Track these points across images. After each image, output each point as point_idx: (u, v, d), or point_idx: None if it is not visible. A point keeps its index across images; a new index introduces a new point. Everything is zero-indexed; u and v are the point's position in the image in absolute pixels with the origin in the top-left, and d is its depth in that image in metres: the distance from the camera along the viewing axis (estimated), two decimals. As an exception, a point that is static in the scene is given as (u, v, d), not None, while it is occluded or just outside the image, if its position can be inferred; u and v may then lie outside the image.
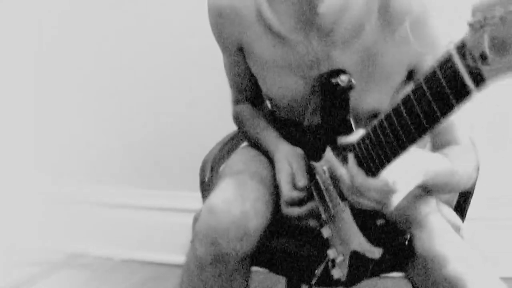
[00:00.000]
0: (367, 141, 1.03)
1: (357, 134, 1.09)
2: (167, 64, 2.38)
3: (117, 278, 2.39)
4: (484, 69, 0.71)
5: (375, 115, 1.34)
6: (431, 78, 0.81)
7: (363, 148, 1.05)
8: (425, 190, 1.24)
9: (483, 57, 0.69)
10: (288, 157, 1.36)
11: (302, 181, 1.31)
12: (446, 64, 0.77)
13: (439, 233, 1.19)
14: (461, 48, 0.74)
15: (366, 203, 1.11)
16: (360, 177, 1.06)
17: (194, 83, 2.33)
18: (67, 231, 2.62)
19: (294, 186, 1.32)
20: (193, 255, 1.28)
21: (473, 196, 1.48)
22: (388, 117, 0.95)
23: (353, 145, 1.08)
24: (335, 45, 1.30)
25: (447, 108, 0.80)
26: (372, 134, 1.01)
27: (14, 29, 2.56)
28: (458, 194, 1.50)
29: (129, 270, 2.44)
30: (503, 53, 0.66)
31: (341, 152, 1.16)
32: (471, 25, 0.70)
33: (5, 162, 2.67)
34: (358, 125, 1.32)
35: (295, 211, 1.32)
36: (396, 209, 1.24)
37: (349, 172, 1.09)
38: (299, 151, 1.37)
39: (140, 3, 2.35)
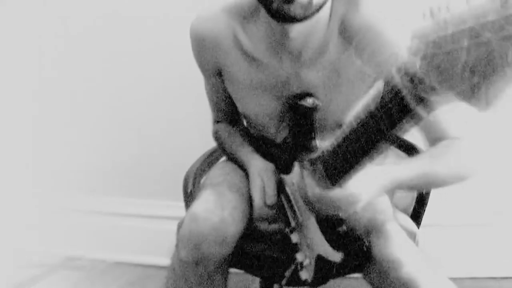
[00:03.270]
0: (331, 155, 1.02)
1: (322, 148, 1.08)
2: (154, 87, 2.37)
3: (109, 278, 2.37)
4: (422, 90, 0.71)
5: (339, 126, 1.36)
6: (377, 96, 0.82)
7: (328, 162, 1.04)
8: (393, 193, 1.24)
9: (420, 79, 0.69)
10: (260, 172, 1.37)
11: (270, 199, 1.33)
12: (389, 84, 0.77)
13: (394, 239, 1.19)
14: (401, 70, 0.73)
15: (331, 212, 1.12)
16: (324, 187, 1.07)
17: (179, 104, 2.32)
18: (64, 236, 2.60)
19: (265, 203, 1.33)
20: (177, 258, 1.28)
21: (428, 205, 1.50)
22: (344, 132, 0.96)
23: (319, 159, 1.08)
24: (304, 65, 1.31)
25: (392, 125, 0.81)
26: (333, 150, 1.01)
27: (14, 42, 2.52)
28: (414, 203, 1.51)
29: (120, 271, 2.43)
30: (437, 74, 0.66)
31: (311, 165, 1.16)
32: (410, 49, 0.69)
33: (6, 175, 2.65)
34: (326, 134, 1.34)
35: (265, 227, 1.34)
36: (356, 218, 1.26)
37: (315, 183, 1.10)
38: (270, 166, 1.38)
39: (131, 29, 2.34)
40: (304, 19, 1.18)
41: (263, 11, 1.26)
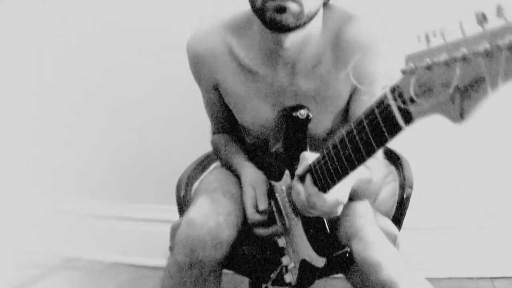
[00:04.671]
0: (321, 165, 1.04)
1: (313, 158, 1.09)
2: (150, 96, 2.36)
3: (106, 278, 2.36)
4: (413, 109, 0.71)
5: (329, 133, 1.36)
6: (370, 114, 0.82)
7: (318, 171, 1.05)
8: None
9: (412, 100, 0.70)
10: (252, 182, 1.37)
11: (262, 205, 1.33)
12: (382, 103, 0.78)
13: (374, 243, 1.19)
14: (394, 91, 0.74)
15: (318, 214, 1.13)
16: (315, 194, 1.07)
17: (173, 114, 2.32)
18: (63, 238, 2.59)
19: (257, 209, 1.33)
20: (173, 261, 1.28)
21: (408, 209, 1.51)
22: (335, 146, 0.97)
23: (309, 168, 1.09)
24: (297, 75, 1.32)
25: (381, 141, 0.81)
26: (323, 160, 1.02)
27: (14, 42, 2.50)
28: (395, 207, 1.52)
29: (117, 271, 2.42)
30: (428, 96, 0.67)
31: (301, 175, 1.15)
32: (403, 71, 0.70)
33: (6, 177, 2.64)
34: (316, 142, 1.35)
35: (261, 231, 1.34)
36: (338, 223, 1.26)
37: (306, 189, 1.10)
38: (261, 176, 1.38)
39: (131, 30, 2.31)
40: (296, 27, 1.20)
41: (257, 23, 1.27)
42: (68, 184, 2.58)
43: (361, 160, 0.90)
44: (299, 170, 1.12)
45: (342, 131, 0.94)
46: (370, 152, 0.86)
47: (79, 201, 2.58)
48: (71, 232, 2.57)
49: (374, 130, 0.82)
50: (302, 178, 1.12)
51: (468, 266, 2.20)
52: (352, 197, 1.18)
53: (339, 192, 1.07)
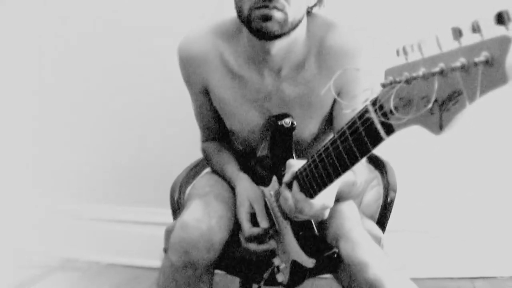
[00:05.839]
0: (307, 173, 1.04)
1: (299, 165, 1.09)
2: (150, 97, 2.33)
3: (104, 279, 2.36)
4: (393, 121, 0.72)
5: (314, 138, 1.36)
6: (352, 125, 0.83)
7: (304, 178, 1.05)
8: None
9: (392, 112, 0.71)
10: (249, 196, 1.34)
11: (264, 222, 1.29)
12: (364, 115, 0.79)
13: (361, 243, 1.19)
14: (375, 103, 0.75)
15: (306, 218, 1.13)
16: (302, 200, 1.07)
17: (172, 115, 2.29)
18: (62, 240, 2.58)
19: (253, 224, 1.30)
20: (168, 262, 1.28)
21: (392, 213, 1.51)
22: (320, 155, 0.97)
23: (296, 175, 1.09)
24: (283, 80, 1.32)
25: (364, 150, 0.82)
26: (309, 168, 1.03)
27: (14, 42, 2.47)
28: (379, 210, 1.52)
29: (114, 272, 2.41)
30: (407, 108, 0.67)
31: (288, 181, 1.14)
32: (383, 85, 0.71)
33: (6, 177, 2.62)
34: (302, 146, 1.36)
35: (254, 247, 1.31)
36: (327, 225, 1.26)
37: (293, 196, 1.09)
38: (258, 190, 1.35)
39: (131, 31, 2.28)
40: (281, 35, 1.21)
41: (245, 30, 1.28)
42: (68, 185, 2.57)
43: (345, 168, 0.90)
44: (286, 177, 1.12)
45: (327, 142, 0.94)
46: (353, 161, 0.87)
47: (78, 204, 2.57)
48: (70, 233, 2.56)
49: (357, 140, 0.83)
50: (289, 185, 1.12)
51: (449, 267, 2.20)
52: (337, 199, 1.18)
53: (326, 197, 1.07)
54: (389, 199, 1.48)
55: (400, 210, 1.57)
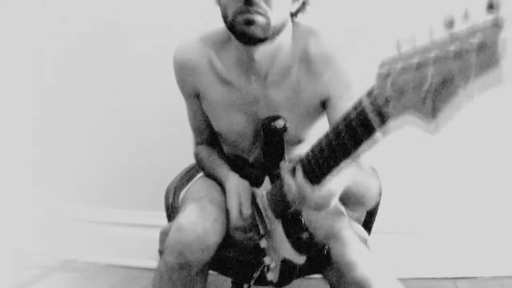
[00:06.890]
0: (311, 157, 0.98)
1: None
2: (149, 97, 2.32)
3: (102, 279, 2.35)
4: (388, 110, 0.70)
5: (299, 140, 1.37)
6: (347, 117, 0.81)
7: (309, 162, 0.99)
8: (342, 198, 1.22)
9: (387, 100, 0.70)
10: (237, 188, 1.36)
11: (246, 209, 1.32)
12: (358, 106, 0.77)
13: (350, 244, 1.20)
14: (370, 94, 0.74)
15: (311, 206, 1.05)
16: (308, 187, 1.01)
17: (167, 123, 2.29)
18: (61, 241, 2.57)
19: (241, 214, 1.32)
20: (164, 263, 1.28)
21: (377, 215, 1.51)
22: (320, 143, 0.93)
23: (300, 160, 1.04)
24: (269, 86, 1.33)
25: (357, 140, 0.80)
26: (313, 153, 0.97)
27: (14, 42, 2.45)
28: (365, 213, 1.52)
29: (111, 272, 2.41)
30: (401, 96, 0.67)
31: (293, 169, 1.09)
32: (379, 75, 0.70)
33: (9, 180, 2.61)
34: (290, 148, 1.36)
35: (240, 236, 1.34)
36: (317, 225, 1.26)
37: (296, 182, 1.04)
38: (245, 183, 1.38)
39: (131, 31, 2.26)
40: (264, 39, 1.22)
41: (233, 38, 1.29)
42: (68, 186, 2.56)
43: (349, 151, 0.85)
44: (289, 167, 1.09)
45: (329, 128, 0.91)
46: (356, 144, 0.82)
47: (78, 205, 2.56)
48: (69, 235, 2.56)
49: (351, 131, 0.80)
50: (293, 175, 1.08)
51: (432, 267, 2.21)
52: (347, 201, 1.17)
53: (332, 183, 1.00)
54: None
55: (384, 211, 1.57)
